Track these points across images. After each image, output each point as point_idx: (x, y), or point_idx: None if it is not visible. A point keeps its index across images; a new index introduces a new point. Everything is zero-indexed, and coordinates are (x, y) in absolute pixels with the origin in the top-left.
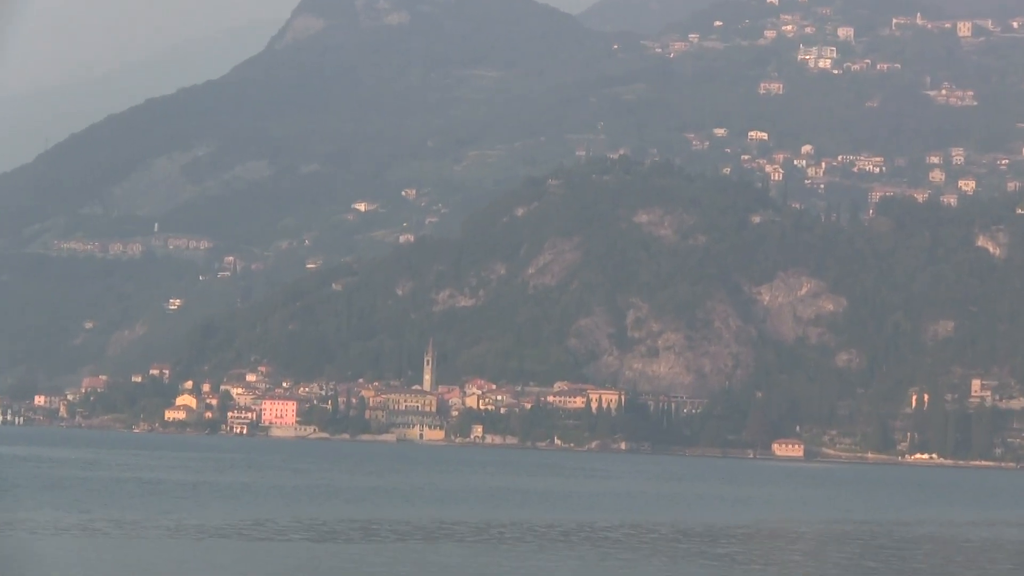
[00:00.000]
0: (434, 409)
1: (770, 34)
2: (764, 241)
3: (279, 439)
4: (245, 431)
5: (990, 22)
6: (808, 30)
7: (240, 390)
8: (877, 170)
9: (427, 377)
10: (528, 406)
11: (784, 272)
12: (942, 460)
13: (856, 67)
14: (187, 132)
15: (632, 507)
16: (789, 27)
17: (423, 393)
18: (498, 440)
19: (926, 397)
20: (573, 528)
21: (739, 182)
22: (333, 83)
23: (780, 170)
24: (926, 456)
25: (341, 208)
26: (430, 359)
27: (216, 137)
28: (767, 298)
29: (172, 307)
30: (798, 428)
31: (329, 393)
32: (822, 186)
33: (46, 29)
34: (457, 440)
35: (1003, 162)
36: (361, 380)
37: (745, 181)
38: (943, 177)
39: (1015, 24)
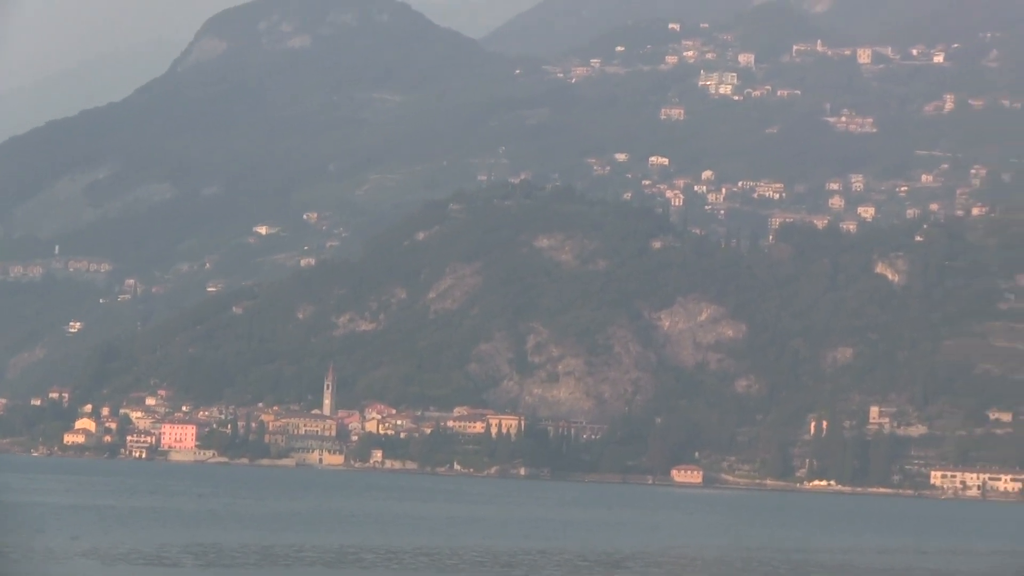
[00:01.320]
0: (334, 434)
1: (671, 60)
2: (664, 267)
3: (178, 463)
4: (144, 455)
5: (890, 49)
6: (709, 56)
7: (140, 414)
8: (777, 196)
9: (327, 401)
10: (428, 431)
11: (684, 298)
12: (840, 487)
13: (757, 93)
14: (89, 154)
15: (535, 533)
16: (690, 53)
17: (323, 418)
18: (398, 465)
19: (825, 424)
20: (476, 555)
21: (640, 207)
22: (235, 105)
23: (681, 195)
24: (824, 483)
25: (242, 231)
26: (330, 383)
27: (118, 159)
28: (667, 324)
29: (72, 330)
30: (697, 454)
31: (229, 417)
32: (722, 212)
33: None
34: (356, 465)
35: (902, 189)
36: (261, 404)
37: (646, 206)
38: (843, 204)
39: (915, 51)
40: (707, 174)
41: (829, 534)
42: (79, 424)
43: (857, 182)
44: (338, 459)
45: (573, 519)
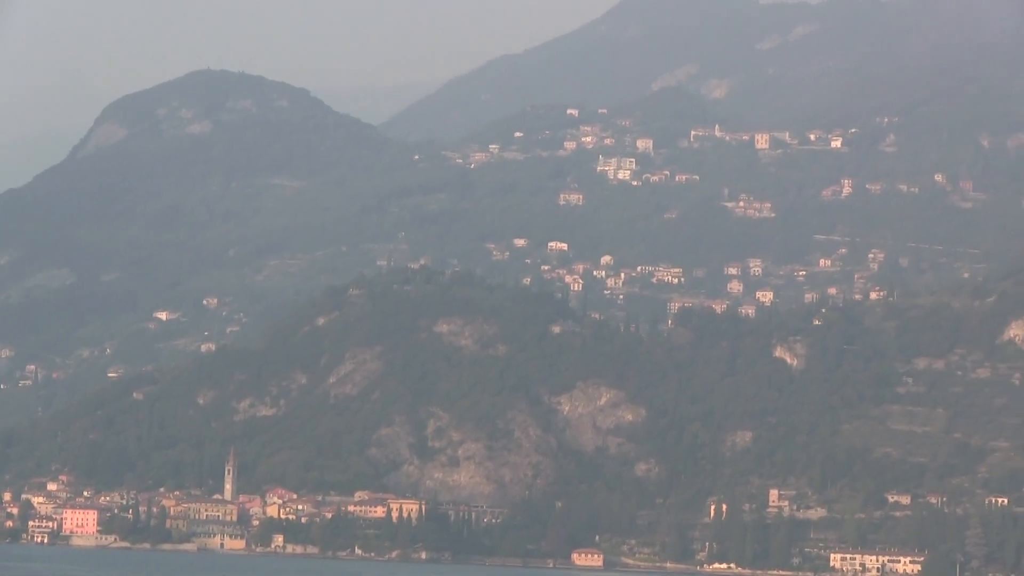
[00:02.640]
0: (235, 518)
1: (570, 145)
2: (564, 352)
3: (81, 548)
4: (46, 540)
5: (788, 134)
6: (608, 141)
7: (41, 499)
8: (676, 281)
9: (228, 486)
10: (329, 515)
11: (584, 382)
12: (740, 570)
13: (655, 178)
14: None
15: None
16: (589, 138)
17: (224, 502)
18: (299, 550)
19: (724, 507)
20: None
21: (539, 293)
22: (135, 191)
23: (580, 281)
24: (725, 566)
25: (142, 317)
26: (231, 468)
27: (17, 245)
28: (567, 408)
29: None
30: (598, 538)
31: (130, 502)
32: (621, 297)
33: None
34: (258, 549)
35: (800, 273)
36: (162, 489)
37: (545, 292)
38: (741, 288)
39: (812, 136)
40: (606, 259)
41: None
42: None
43: (755, 267)
44: (239, 544)
45: None
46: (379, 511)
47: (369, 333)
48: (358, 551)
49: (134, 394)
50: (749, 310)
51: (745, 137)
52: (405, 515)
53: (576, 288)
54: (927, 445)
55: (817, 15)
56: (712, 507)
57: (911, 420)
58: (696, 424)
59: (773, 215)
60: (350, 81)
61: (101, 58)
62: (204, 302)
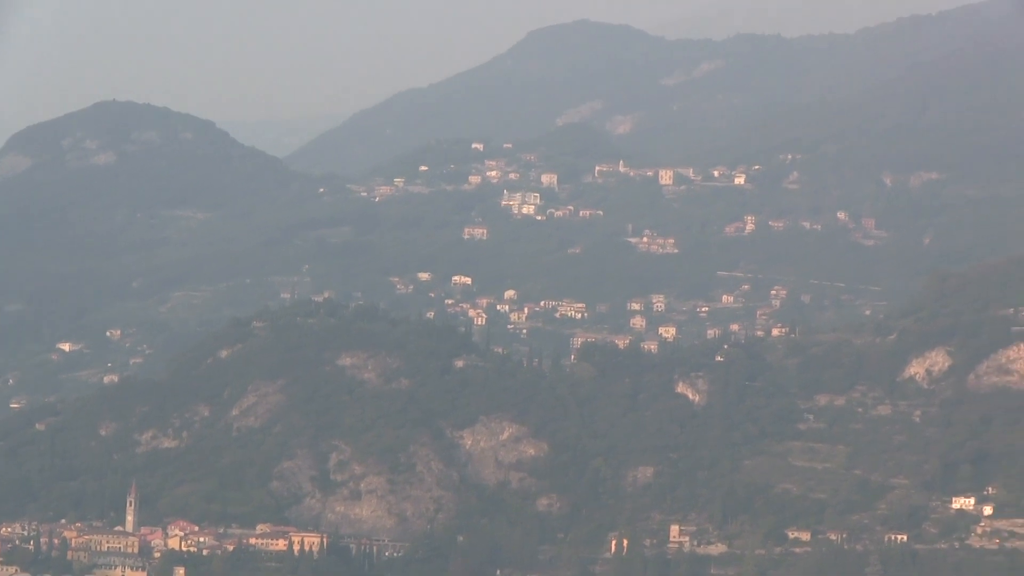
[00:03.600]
0: (136, 551)
1: (475, 179)
2: (467, 386)
3: None
4: None
5: (691, 171)
6: (512, 176)
7: None
8: (579, 316)
9: (130, 518)
10: (231, 548)
11: (486, 416)
12: None
13: (559, 213)
14: None
15: None
16: (494, 173)
17: (125, 534)
18: None
19: (626, 542)
20: None
21: (443, 326)
22: (38, 222)
23: (483, 315)
24: None
25: (45, 348)
26: (133, 500)
27: None
28: (469, 442)
29: None
30: (499, 572)
31: (31, 534)
32: (525, 331)
33: None
34: None
35: (703, 309)
36: (63, 521)
37: (449, 325)
38: (644, 324)
39: (716, 173)
40: (510, 293)
41: None
42: None
43: (658, 302)
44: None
45: None
46: (281, 544)
47: (272, 366)
48: None
49: (36, 425)
50: (652, 345)
51: (649, 173)
52: (307, 548)
53: (479, 322)
54: (828, 481)
55: (721, 52)
56: (613, 542)
57: (812, 457)
58: (598, 459)
59: (676, 251)
60: (255, 114)
61: (6, 88)
62: (107, 333)
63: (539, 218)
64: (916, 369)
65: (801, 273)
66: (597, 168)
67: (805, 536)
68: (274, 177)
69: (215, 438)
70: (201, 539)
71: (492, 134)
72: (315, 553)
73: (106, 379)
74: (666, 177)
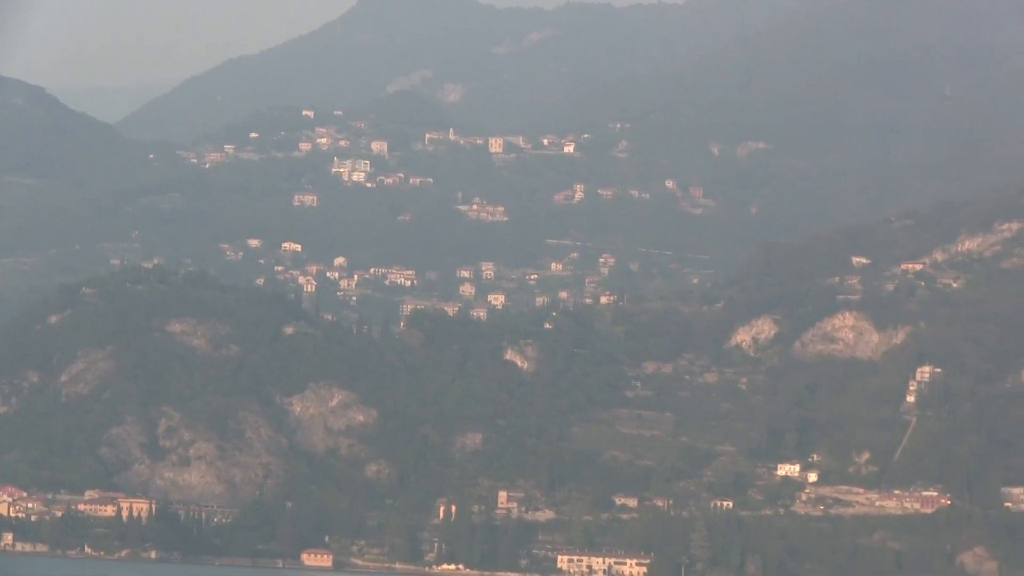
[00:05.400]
0: None
1: (305, 146)
2: (297, 352)
3: None
4: None
5: (521, 139)
6: (343, 143)
7: None
8: (409, 283)
9: None
10: (59, 514)
11: (316, 383)
12: (469, 571)
13: (389, 181)
14: None
15: None
16: (324, 140)
17: None
18: (28, 548)
19: (454, 508)
20: None
21: (272, 293)
22: None
23: (313, 282)
24: (453, 566)
25: None
26: None
27: None
28: (299, 409)
29: None
30: (327, 538)
31: None
32: (354, 298)
33: None
34: None
35: (532, 277)
36: None
37: (278, 293)
38: (473, 291)
39: (545, 141)
40: (339, 260)
41: None
42: None
43: (488, 270)
44: None
45: None
46: (109, 510)
47: (101, 332)
48: (88, 550)
49: None
50: (481, 313)
51: (479, 141)
52: (135, 514)
53: (309, 289)
54: (654, 449)
55: (551, 22)
56: (441, 508)
57: (639, 424)
58: (427, 425)
59: (506, 219)
60: (86, 80)
61: None
62: None
63: (369, 185)
64: (742, 337)
65: (629, 241)
66: (427, 136)
67: (632, 503)
68: (104, 144)
69: (44, 404)
70: (30, 505)
71: (323, 101)
72: (144, 519)
73: None
74: (496, 145)
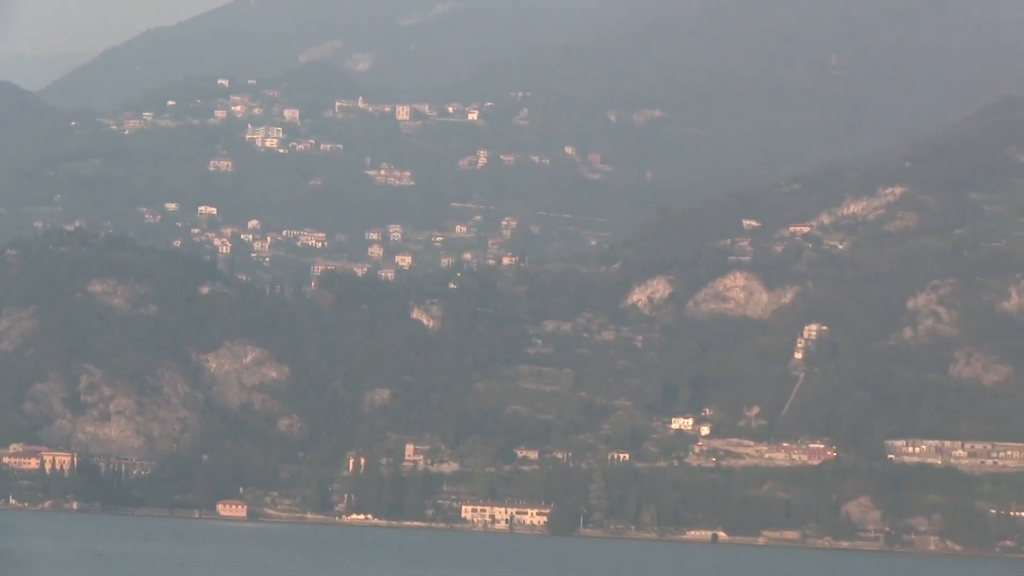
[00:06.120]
0: None
1: (220, 114)
2: (212, 312)
3: None
4: None
5: (427, 107)
6: (256, 111)
7: None
8: (320, 245)
9: None
10: None
11: (231, 341)
12: (377, 521)
13: (301, 147)
14: None
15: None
16: (239, 107)
17: None
18: None
19: (363, 461)
20: None
21: (189, 255)
22: None
23: (228, 244)
24: (362, 517)
25: None
26: None
27: None
28: (214, 366)
29: None
30: (242, 490)
31: None
32: (268, 259)
33: None
34: None
35: (437, 239)
36: None
37: (195, 254)
38: (382, 253)
39: (451, 109)
40: (253, 223)
41: (369, 567)
42: None
43: (395, 232)
44: None
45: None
46: (33, 463)
47: (25, 292)
48: (12, 501)
49: None
50: (389, 273)
51: (387, 109)
52: (58, 467)
53: (224, 251)
54: (554, 403)
55: None
56: (351, 461)
57: (540, 380)
58: (337, 382)
59: (412, 183)
60: (8, 48)
61: None
62: None
63: (282, 151)
64: (638, 296)
65: (531, 205)
66: (337, 104)
67: (533, 455)
68: (28, 111)
69: None
70: None
71: (237, 71)
72: (66, 471)
73: None
74: (403, 113)
